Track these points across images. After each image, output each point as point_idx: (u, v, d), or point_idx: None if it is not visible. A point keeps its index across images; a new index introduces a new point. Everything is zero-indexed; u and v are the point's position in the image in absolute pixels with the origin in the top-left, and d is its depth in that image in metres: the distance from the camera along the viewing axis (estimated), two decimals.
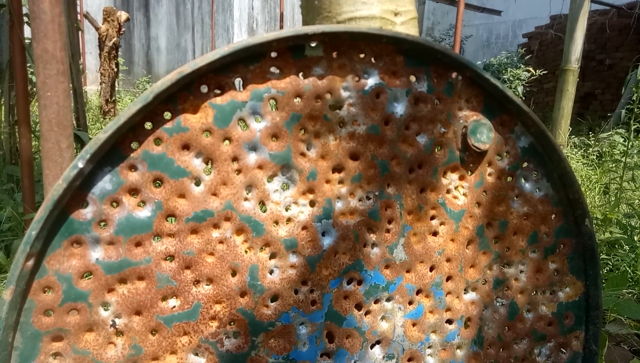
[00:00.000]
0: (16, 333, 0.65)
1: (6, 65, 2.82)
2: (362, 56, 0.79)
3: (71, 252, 0.67)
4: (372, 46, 0.79)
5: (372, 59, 0.80)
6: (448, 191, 0.87)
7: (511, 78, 6.91)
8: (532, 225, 0.92)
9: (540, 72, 6.68)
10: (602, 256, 2.22)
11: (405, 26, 0.92)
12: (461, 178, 0.87)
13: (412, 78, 0.83)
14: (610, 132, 3.82)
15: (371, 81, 0.80)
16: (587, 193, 3.47)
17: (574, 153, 4.85)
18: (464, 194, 0.88)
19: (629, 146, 2.82)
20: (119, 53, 7.97)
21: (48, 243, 0.65)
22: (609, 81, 8.08)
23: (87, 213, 0.67)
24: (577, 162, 4.64)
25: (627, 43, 7.88)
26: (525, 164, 0.91)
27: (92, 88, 10.14)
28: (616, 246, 2.43)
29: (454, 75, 0.84)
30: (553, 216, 0.93)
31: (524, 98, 7.69)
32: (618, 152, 3.74)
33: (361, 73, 0.79)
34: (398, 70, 0.81)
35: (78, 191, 0.66)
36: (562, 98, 4.18)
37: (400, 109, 0.82)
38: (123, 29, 7.71)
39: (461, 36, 12.51)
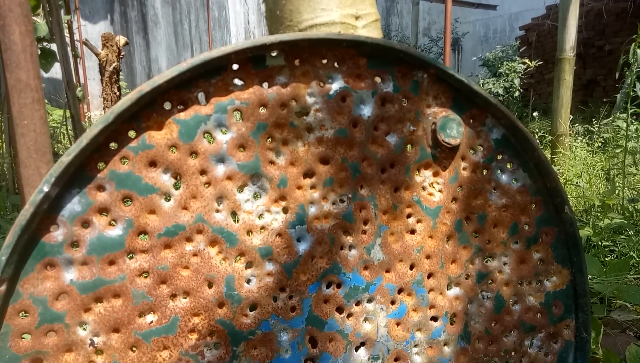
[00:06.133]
0: None
1: (4, 96, 2.88)
2: (324, 61, 0.80)
3: (45, 275, 0.68)
4: (334, 51, 0.80)
5: (335, 64, 0.81)
6: (423, 189, 0.87)
7: (507, 71, 6.89)
8: (511, 216, 0.92)
9: (536, 62, 6.65)
10: (605, 243, 2.19)
11: (367, 29, 0.92)
12: (435, 174, 0.87)
13: (377, 79, 0.84)
14: (611, 118, 3.78)
15: (336, 86, 0.80)
16: (592, 181, 3.43)
17: (577, 141, 4.81)
18: (439, 191, 0.88)
19: (628, 130, 2.80)
20: (121, 77, 8.08)
21: (20, 267, 0.66)
22: (610, 66, 8.01)
23: (58, 235, 0.68)
24: (582, 150, 4.60)
25: (625, 27, 7.82)
26: (500, 156, 0.91)
27: (97, 113, 10.28)
28: (622, 232, 2.40)
29: (419, 73, 0.85)
30: (533, 205, 0.93)
31: (521, 90, 7.66)
32: (621, 137, 3.71)
33: (325, 78, 0.80)
34: (362, 72, 0.82)
35: (47, 214, 0.67)
36: (560, 87, 4.15)
37: (367, 110, 0.82)
38: (122, 53, 7.81)
39: (458, 33, 12.55)
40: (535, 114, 5.31)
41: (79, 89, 4.78)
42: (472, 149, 0.89)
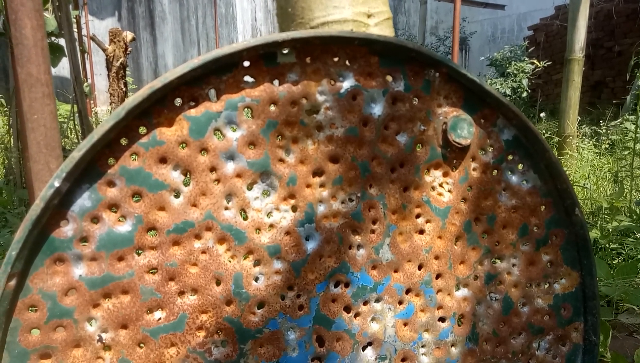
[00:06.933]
0: (3, 353, 0.66)
1: (13, 91, 2.89)
2: (335, 59, 0.79)
3: (54, 270, 0.68)
4: (345, 48, 0.79)
5: (347, 62, 0.80)
6: (432, 189, 0.87)
7: (515, 71, 6.86)
8: (521, 218, 0.91)
9: (545, 63, 6.61)
10: (613, 246, 2.18)
11: (379, 27, 0.92)
12: (445, 174, 0.87)
13: (389, 78, 0.83)
14: (619, 120, 3.76)
15: (347, 84, 0.80)
16: (599, 183, 3.41)
17: (584, 142, 4.78)
18: (448, 191, 0.87)
19: (636, 132, 2.77)
20: (128, 73, 8.09)
21: (30, 262, 0.66)
22: (619, 68, 7.95)
23: (67, 230, 0.68)
24: (589, 151, 4.58)
25: (635, 29, 7.76)
26: (510, 157, 0.90)
27: (103, 109, 10.30)
28: (630, 234, 2.38)
29: (430, 72, 0.84)
30: (542, 207, 0.92)
31: (529, 91, 7.63)
32: (629, 139, 3.68)
33: (336, 76, 0.80)
34: (373, 71, 0.81)
35: (57, 209, 0.67)
36: (568, 88, 4.13)
37: (377, 109, 0.82)
38: (129, 49, 7.82)
39: (466, 33, 12.51)
40: (542, 115, 5.28)
41: (86, 84, 4.79)
42: (482, 150, 0.88)
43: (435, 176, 0.86)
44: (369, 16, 0.90)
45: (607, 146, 4.68)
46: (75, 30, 4.14)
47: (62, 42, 3.09)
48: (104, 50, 7.59)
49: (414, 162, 0.85)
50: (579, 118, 4.50)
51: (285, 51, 0.76)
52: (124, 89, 7.61)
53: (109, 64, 7.57)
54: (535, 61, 6.93)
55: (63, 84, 9.77)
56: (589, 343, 0.96)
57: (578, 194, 3.22)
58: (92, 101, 8.41)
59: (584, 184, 3.29)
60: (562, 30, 8.44)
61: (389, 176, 0.84)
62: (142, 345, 0.73)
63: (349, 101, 0.80)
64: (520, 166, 0.91)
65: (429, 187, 0.86)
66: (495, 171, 0.89)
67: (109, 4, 12.75)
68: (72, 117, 3.45)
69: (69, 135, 5.02)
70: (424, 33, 9.05)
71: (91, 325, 0.71)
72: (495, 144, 0.88)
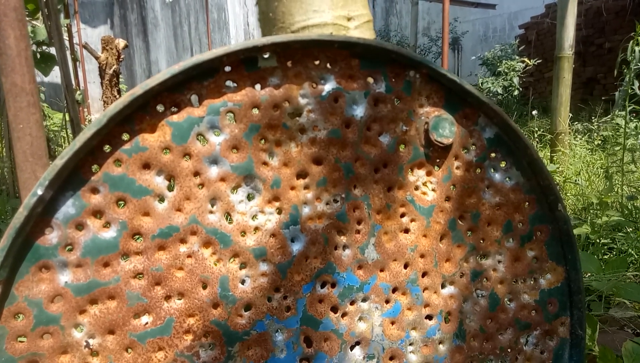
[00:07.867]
0: None
1: (3, 100, 2.89)
2: (316, 62, 0.80)
3: (39, 277, 0.69)
4: (326, 52, 0.80)
5: (328, 65, 0.81)
6: (416, 188, 0.88)
7: (506, 70, 6.90)
8: (505, 214, 0.92)
9: (535, 61, 6.65)
10: (604, 241, 2.19)
11: (359, 30, 0.93)
12: (428, 173, 0.88)
13: (370, 80, 0.84)
14: (610, 116, 3.79)
15: (328, 86, 0.81)
16: (591, 179, 3.43)
17: (577, 139, 4.81)
18: (432, 190, 0.88)
19: (627, 128, 2.79)
20: (122, 80, 8.09)
21: (15, 270, 0.67)
22: (610, 64, 7.99)
23: (52, 238, 0.69)
24: (581, 148, 4.60)
25: (624, 25, 7.81)
26: (493, 155, 0.91)
27: (97, 116, 10.29)
28: (621, 229, 2.40)
29: (411, 73, 0.85)
30: (526, 204, 0.93)
31: (520, 89, 7.67)
32: (620, 134, 3.71)
33: (317, 79, 0.81)
34: (354, 73, 0.82)
35: (41, 217, 0.68)
36: (559, 86, 4.15)
37: (360, 111, 0.83)
38: (122, 56, 7.82)
39: (458, 33, 12.55)
40: (534, 112, 5.31)
41: (78, 92, 4.79)
42: (465, 148, 0.89)
43: (418, 175, 0.87)
44: (349, 19, 0.92)
45: (599, 142, 4.71)
46: (67, 38, 4.14)
47: (54, 51, 3.09)
48: (97, 58, 7.58)
49: (397, 162, 0.86)
50: (571, 115, 4.52)
51: (266, 56, 0.77)
52: (118, 96, 7.60)
53: (102, 72, 7.57)
54: (525, 59, 6.97)
55: (56, 92, 9.75)
56: (575, 337, 0.97)
57: (570, 190, 3.24)
58: (85, 109, 8.40)
59: (576, 180, 3.30)
60: (553, 28, 8.48)
61: (373, 177, 0.85)
62: (129, 350, 0.74)
63: (330, 104, 0.81)
64: (502, 164, 0.92)
65: (413, 186, 0.87)
66: (478, 169, 0.90)
67: (101, 11, 12.75)
68: (64, 126, 3.45)
69: (63, 143, 5.02)
70: (415, 34, 9.08)
71: (78, 331, 0.71)
72: (477, 142, 0.90)
